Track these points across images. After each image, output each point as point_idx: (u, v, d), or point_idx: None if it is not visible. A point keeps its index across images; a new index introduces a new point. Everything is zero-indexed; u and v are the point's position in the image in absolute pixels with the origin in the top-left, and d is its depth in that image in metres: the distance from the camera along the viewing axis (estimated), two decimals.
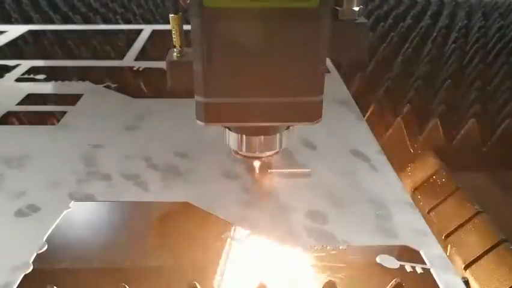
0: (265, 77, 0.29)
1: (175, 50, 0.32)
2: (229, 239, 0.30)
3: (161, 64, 0.64)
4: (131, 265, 0.28)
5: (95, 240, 0.30)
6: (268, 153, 0.34)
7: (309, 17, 0.27)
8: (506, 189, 0.46)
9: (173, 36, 0.31)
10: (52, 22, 0.92)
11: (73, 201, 0.34)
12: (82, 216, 0.32)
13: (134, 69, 0.62)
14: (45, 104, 0.51)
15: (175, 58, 0.31)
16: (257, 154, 0.34)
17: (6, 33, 0.80)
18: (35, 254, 0.28)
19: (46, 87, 0.55)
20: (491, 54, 0.77)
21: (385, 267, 0.28)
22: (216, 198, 0.35)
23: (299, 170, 0.38)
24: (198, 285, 0.26)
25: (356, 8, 0.30)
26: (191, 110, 0.50)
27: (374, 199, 0.35)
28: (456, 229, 0.39)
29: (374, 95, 0.59)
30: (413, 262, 0.28)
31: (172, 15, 0.31)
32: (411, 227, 0.32)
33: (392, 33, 0.82)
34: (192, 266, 0.28)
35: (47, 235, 0.30)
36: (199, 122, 0.31)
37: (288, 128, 0.33)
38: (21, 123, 0.47)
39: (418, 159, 0.48)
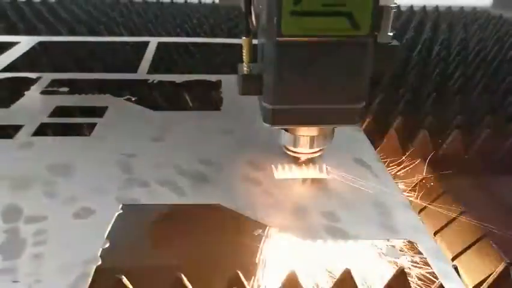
0: (321, 88, 0.37)
1: (245, 65, 0.39)
2: (261, 236, 0.36)
3: (173, 77, 0.69)
4: (181, 257, 0.34)
5: (147, 238, 0.36)
6: (314, 150, 0.43)
7: (360, 42, 0.35)
8: (485, 192, 0.53)
9: (244, 54, 0.39)
10: (58, 32, 0.96)
11: (121, 204, 0.39)
12: (132, 217, 0.38)
13: (149, 82, 0.68)
14: (73, 115, 0.56)
15: (245, 72, 0.39)
16: (306, 151, 0.43)
17: (18, 44, 0.84)
18: (100, 250, 0.34)
19: (71, 100, 0.60)
20: (471, 67, 0.84)
21: (390, 257, 0.34)
22: (243, 201, 0.41)
23: (317, 176, 0.44)
24: (240, 273, 0.32)
25: (391, 33, 0.37)
26: (207, 121, 0.56)
27: (377, 201, 0.41)
28: (444, 226, 0.46)
29: (368, 108, 0.65)
30: (412, 253, 0.35)
31: (244, 38, 0.39)
32: (409, 224, 0.38)
33: None
34: (232, 258, 0.34)
35: (106, 233, 0.36)
36: (265, 124, 0.39)
37: (333, 129, 0.42)
38: (55, 134, 0.52)
39: (409, 166, 0.55)
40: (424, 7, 1.35)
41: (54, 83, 0.66)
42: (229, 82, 0.68)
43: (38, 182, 0.42)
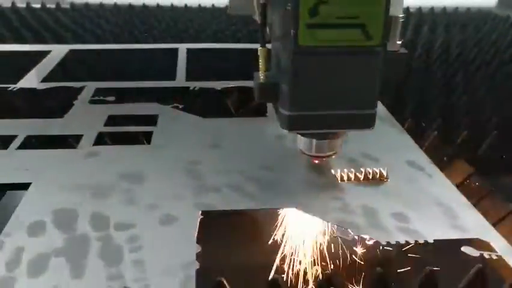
0: (336, 95, 0.39)
1: (261, 73, 0.41)
2: (337, 237, 0.38)
3: (212, 84, 0.71)
4: (271, 259, 0.36)
5: (234, 241, 0.38)
6: (329, 154, 0.44)
7: (372, 51, 0.37)
8: None
9: (260, 63, 0.41)
10: (84, 40, 0.97)
11: (201, 211, 0.41)
12: (214, 222, 0.40)
13: (191, 89, 0.69)
14: (126, 124, 0.58)
15: (261, 80, 0.41)
16: (321, 154, 0.44)
17: (51, 53, 0.85)
18: (195, 254, 0.36)
19: (121, 109, 0.62)
20: (490, 69, 0.87)
21: (469, 255, 0.36)
22: (314, 205, 0.43)
23: (378, 179, 0.46)
24: (331, 273, 0.34)
25: (399, 42, 0.39)
26: (257, 128, 0.57)
27: (439, 201, 0.43)
28: (497, 222, 0.48)
29: (405, 112, 0.67)
30: (487, 251, 0.37)
31: (261, 48, 0.41)
32: (476, 223, 0.41)
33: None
34: (319, 259, 0.36)
35: (195, 238, 0.37)
36: (282, 129, 0.40)
37: (345, 134, 0.43)
38: (114, 142, 0.54)
39: (453, 166, 0.57)
40: (432, 8, 1.38)
41: (99, 92, 0.67)
42: None
43: (115, 190, 0.44)
